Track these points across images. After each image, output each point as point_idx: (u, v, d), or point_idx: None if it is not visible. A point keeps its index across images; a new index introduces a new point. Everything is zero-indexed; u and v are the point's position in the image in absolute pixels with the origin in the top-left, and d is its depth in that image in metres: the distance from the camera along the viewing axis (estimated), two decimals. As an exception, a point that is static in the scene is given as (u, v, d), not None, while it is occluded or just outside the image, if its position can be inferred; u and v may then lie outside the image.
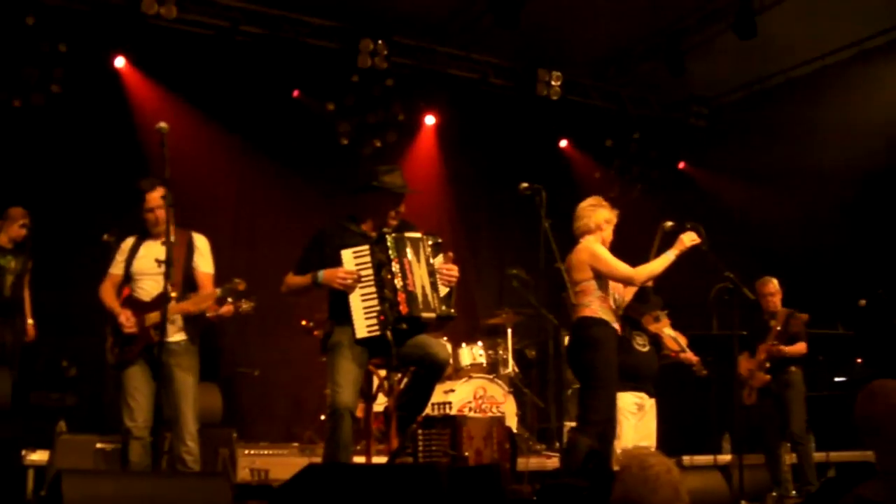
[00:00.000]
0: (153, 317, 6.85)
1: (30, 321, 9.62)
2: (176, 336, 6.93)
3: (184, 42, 11.30)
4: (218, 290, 7.00)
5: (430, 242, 6.73)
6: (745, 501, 7.85)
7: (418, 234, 6.74)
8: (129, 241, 7.16)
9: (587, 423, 7.45)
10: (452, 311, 6.73)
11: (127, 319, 6.90)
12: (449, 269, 6.71)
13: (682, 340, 8.95)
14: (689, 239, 7.61)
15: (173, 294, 6.77)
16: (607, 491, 4.90)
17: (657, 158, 14.34)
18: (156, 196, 7.02)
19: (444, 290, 6.68)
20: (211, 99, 11.53)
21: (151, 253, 7.02)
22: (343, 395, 6.35)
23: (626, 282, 7.51)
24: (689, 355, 8.98)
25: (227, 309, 9.90)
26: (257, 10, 11.51)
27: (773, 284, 9.91)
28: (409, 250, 6.60)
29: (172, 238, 6.75)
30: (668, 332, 9.03)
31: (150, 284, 6.98)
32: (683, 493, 4.66)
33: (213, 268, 7.15)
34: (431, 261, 6.68)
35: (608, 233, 7.70)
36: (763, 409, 9.73)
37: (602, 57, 13.11)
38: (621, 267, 7.42)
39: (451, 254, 6.80)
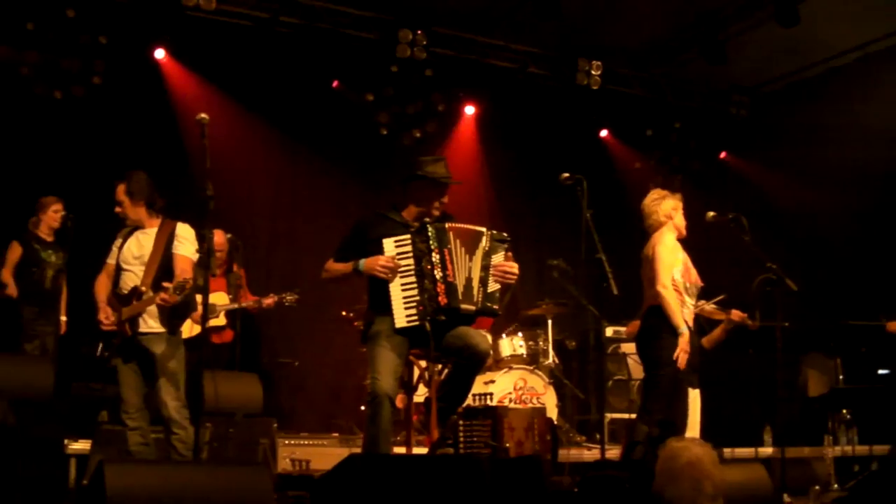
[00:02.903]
0: (127, 311, 6.90)
1: (63, 318, 9.70)
2: (150, 327, 6.92)
3: (223, 33, 11.31)
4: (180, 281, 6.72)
5: (491, 238, 6.68)
6: (787, 495, 7.77)
7: (482, 229, 6.71)
8: (124, 232, 7.21)
9: (647, 411, 7.48)
10: (495, 307, 6.67)
11: (106, 318, 6.96)
12: (504, 267, 6.66)
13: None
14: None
15: (143, 288, 6.82)
16: (649, 482, 4.88)
17: (698, 149, 14.24)
18: (119, 190, 7.09)
19: (494, 287, 6.63)
20: (250, 90, 11.56)
21: (132, 246, 7.08)
22: (382, 383, 6.32)
23: (652, 288, 7.57)
24: (737, 312, 8.95)
25: (268, 301, 9.99)
26: (296, 0, 11.50)
27: None
28: (454, 242, 6.56)
29: (153, 229, 6.99)
30: (707, 307, 8.98)
31: (129, 277, 7.02)
32: (707, 487, 4.63)
33: (195, 254, 6.99)
34: (489, 256, 6.64)
35: (679, 219, 7.89)
36: None
37: (642, 46, 13.00)
38: (659, 275, 7.55)
39: (510, 253, 6.76)
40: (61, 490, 7.86)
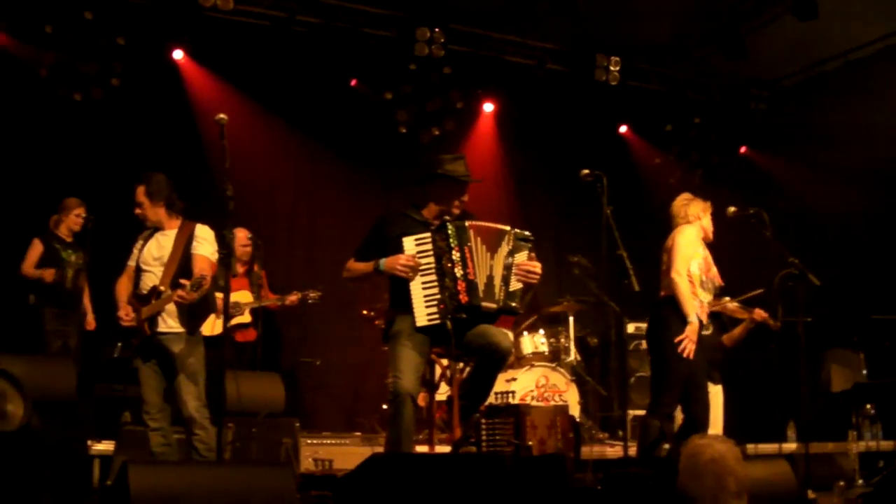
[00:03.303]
0: (146, 310, 6.94)
1: (90, 315, 9.76)
2: (169, 327, 6.97)
3: (240, 33, 11.31)
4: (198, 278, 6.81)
5: (514, 237, 6.66)
6: (811, 491, 7.73)
7: (505, 227, 6.69)
8: (145, 234, 7.26)
9: (658, 405, 7.43)
10: (516, 305, 6.65)
11: (126, 314, 7.00)
12: (527, 266, 6.63)
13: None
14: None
15: (162, 287, 6.88)
16: (673, 479, 4.86)
17: (718, 143, 14.16)
18: (138, 192, 7.17)
19: (516, 286, 6.61)
20: (268, 90, 11.58)
21: (152, 247, 7.13)
22: (404, 381, 6.32)
23: (668, 278, 7.55)
24: (760, 311, 8.91)
25: (292, 298, 10.03)
26: (313, -1, 11.53)
27: None
28: (474, 239, 6.55)
29: (172, 231, 7.04)
30: (730, 305, 8.95)
31: (148, 277, 7.07)
32: (731, 484, 4.61)
33: (214, 254, 7.05)
34: (512, 255, 6.62)
35: (707, 222, 7.92)
36: None
37: (661, 41, 12.95)
38: (675, 263, 7.53)
39: (533, 253, 6.74)
40: (85, 491, 7.90)
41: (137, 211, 7.19)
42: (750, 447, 9.65)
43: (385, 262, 6.54)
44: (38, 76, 10.44)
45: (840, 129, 12.38)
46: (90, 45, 10.59)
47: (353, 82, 12.14)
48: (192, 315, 7.02)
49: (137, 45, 10.83)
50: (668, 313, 7.44)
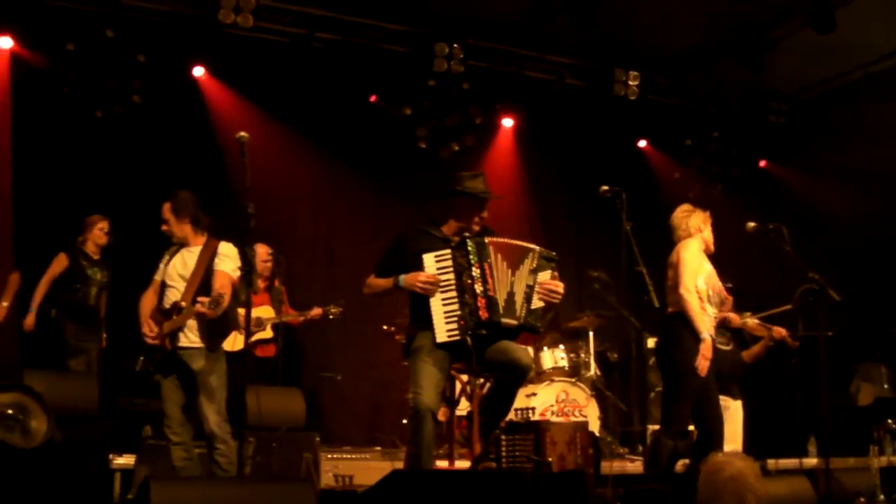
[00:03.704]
0: (168, 325, 6.99)
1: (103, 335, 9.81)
2: (190, 342, 7.01)
3: (260, 50, 11.37)
4: (215, 295, 6.89)
5: (539, 256, 6.67)
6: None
7: (531, 246, 6.71)
8: (171, 250, 7.33)
9: (669, 423, 7.40)
10: (538, 324, 6.67)
11: (150, 330, 7.05)
12: (550, 286, 6.64)
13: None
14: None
15: (183, 303, 6.93)
16: (692, 496, 4.86)
17: (737, 157, 14.12)
18: (164, 209, 7.26)
19: (538, 304, 6.62)
20: (288, 106, 11.63)
21: (177, 263, 7.19)
22: (424, 397, 6.33)
23: (676, 294, 7.50)
24: (779, 329, 8.89)
25: (315, 312, 10.07)
26: (332, 16, 11.52)
27: None
28: (494, 256, 6.56)
29: (197, 247, 7.11)
30: (750, 322, 8.92)
31: (172, 293, 7.13)
32: (751, 501, 4.60)
33: (235, 271, 7.10)
34: (535, 274, 6.63)
35: (708, 234, 7.86)
36: None
37: (679, 54, 12.94)
38: (683, 279, 7.47)
39: (556, 273, 6.74)
40: (106, 504, 7.94)
41: (164, 227, 7.28)
42: (770, 462, 9.61)
43: (405, 279, 6.56)
44: (61, 93, 10.51)
45: (859, 140, 12.36)
46: (112, 62, 10.65)
47: (373, 98, 12.19)
48: (213, 332, 7.06)
49: (158, 62, 10.89)
50: (679, 329, 7.41)
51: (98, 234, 9.82)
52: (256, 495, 5.15)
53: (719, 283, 7.69)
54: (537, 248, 6.72)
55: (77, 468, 7.86)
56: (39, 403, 7.33)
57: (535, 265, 6.64)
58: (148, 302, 7.28)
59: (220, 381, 7.08)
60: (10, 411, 7.17)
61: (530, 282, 6.60)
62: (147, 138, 10.86)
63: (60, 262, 9.75)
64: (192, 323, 6.97)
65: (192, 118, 11.20)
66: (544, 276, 6.65)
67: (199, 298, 6.75)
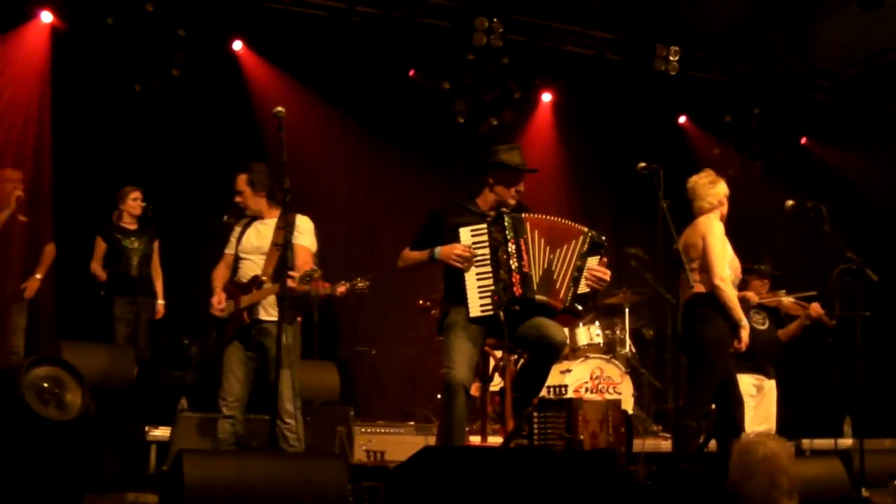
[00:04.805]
0: (246, 299, 6.97)
1: (160, 301, 9.91)
2: (269, 315, 6.97)
3: (300, 24, 11.38)
4: (308, 270, 6.82)
5: (591, 240, 6.62)
6: (865, 489, 7.64)
7: (583, 228, 6.65)
8: (243, 222, 7.29)
9: (694, 404, 7.34)
10: (581, 308, 6.64)
11: (218, 302, 7.05)
12: (597, 273, 6.59)
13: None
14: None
15: (264, 277, 6.92)
16: (723, 476, 4.85)
17: (778, 134, 14.01)
18: (240, 180, 7.18)
19: (584, 290, 6.58)
20: (327, 80, 11.64)
21: (252, 236, 7.15)
22: (457, 372, 6.34)
23: (710, 274, 7.35)
24: (816, 307, 8.83)
25: (341, 289, 10.07)
26: (373, -10, 11.55)
27: None
28: (530, 232, 6.55)
29: (272, 220, 7.04)
30: (785, 300, 8.86)
31: (248, 266, 7.10)
32: (784, 482, 4.58)
33: (314, 244, 7.13)
34: (585, 258, 6.58)
35: (726, 207, 7.62)
36: None
37: (721, 30, 12.83)
38: (715, 268, 7.30)
39: (604, 259, 6.70)
40: (142, 476, 8.02)
41: (238, 199, 7.22)
42: (805, 442, 9.57)
43: (441, 251, 6.56)
44: (100, 67, 10.57)
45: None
46: (151, 36, 10.70)
47: (412, 73, 12.17)
48: (293, 305, 6.95)
49: (198, 36, 10.93)
50: (709, 312, 7.28)
51: (132, 204, 9.88)
52: (289, 470, 5.18)
53: (737, 262, 7.59)
54: (589, 231, 6.66)
55: (114, 440, 7.95)
56: (74, 376, 7.39)
57: (585, 248, 6.59)
58: (220, 276, 7.24)
59: (296, 355, 7.10)
60: (45, 384, 7.23)
61: (580, 264, 6.56)
62: (186, 113, 10.93)
63: (100, 245, 9.85)
64: (270, 297, 6.94)
65: (231, 93, 11.25)
66: (593, 261, 6.60)
67: (291, 273, 6.67)
